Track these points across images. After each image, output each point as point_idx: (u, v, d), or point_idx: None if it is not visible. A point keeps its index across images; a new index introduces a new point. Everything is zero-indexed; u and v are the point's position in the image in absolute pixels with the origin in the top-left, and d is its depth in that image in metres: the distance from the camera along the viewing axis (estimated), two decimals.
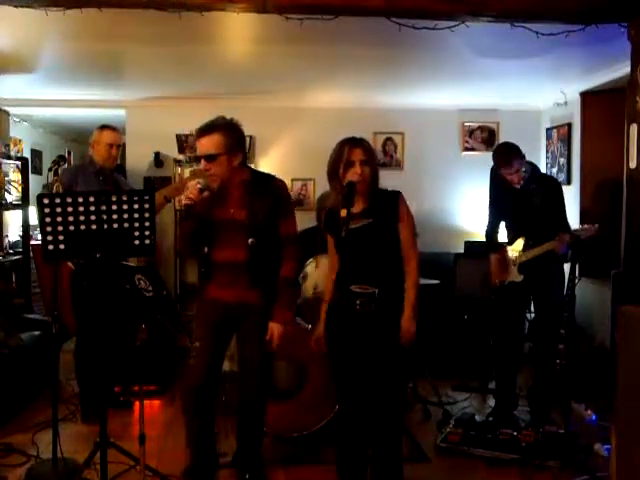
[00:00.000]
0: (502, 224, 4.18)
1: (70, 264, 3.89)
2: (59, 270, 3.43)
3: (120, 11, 3.13)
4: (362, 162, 2.67)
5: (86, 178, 3.96)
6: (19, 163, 5.65)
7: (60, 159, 4.01)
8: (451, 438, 3.65)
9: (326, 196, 3.01)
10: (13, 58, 4.45)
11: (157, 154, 6.03)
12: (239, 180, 2.98)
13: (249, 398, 3.09)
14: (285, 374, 3.66)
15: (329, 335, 2.82)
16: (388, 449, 2.77)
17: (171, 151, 6.01)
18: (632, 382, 2.43)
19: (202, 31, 3.70)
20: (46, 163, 7.35)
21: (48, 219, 2.55)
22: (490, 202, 4.21)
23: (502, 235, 4.21)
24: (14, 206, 5.56)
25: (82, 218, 2.57)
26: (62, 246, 2.58)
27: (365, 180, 2.68)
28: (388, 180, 2.85)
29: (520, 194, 3.91)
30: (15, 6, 3.05)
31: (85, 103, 6.05)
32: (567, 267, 3.62)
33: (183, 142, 5.98)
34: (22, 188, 5.51)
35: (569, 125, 5.50)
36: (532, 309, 4.17)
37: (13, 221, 6.09)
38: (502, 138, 5.82)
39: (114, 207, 2.60)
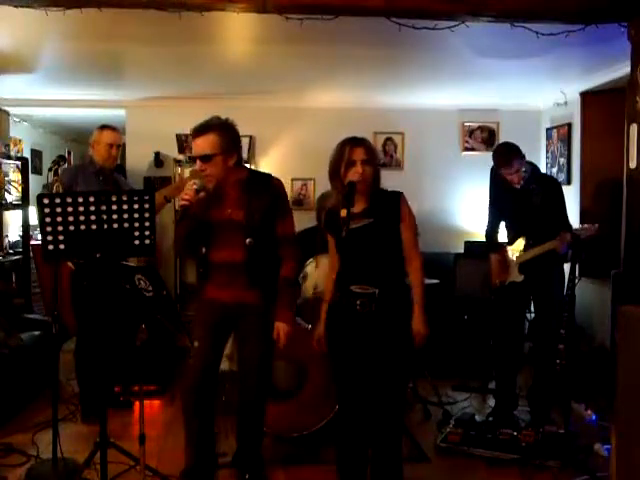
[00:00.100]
0: (502, 224, 4.18)
1: (70, 264, 3.89)
2: (59, 270, 3.43)
3: (120, 11, 3.13)
4: (363, 162, 2.67)
5: (86, 178, 3.96)
6: (19, 163, 5.65)
7: (60, 159, 4.02)
8: (451, 438, 3.65)
9: (326, 196, 3.00)
10: (13, 58, 4.45)
11: (157, 154, 6.03)
12: (235, 180, 2.97)
13: (249, 398, 3.09)
14: (285, 374, 3.66)
15: (329, 335, 2.82)
16: (388, 449, 2.77)
17: (171, 151, 6.01)
18: (632, 382, 2.43)
19: (202, 31, 3.70)
20: (46, 163, 7.35)
21: (48, 219, 2.55)
22: (490, 202, 4.21)
23: (502, 235, 4.21)
24: (14, 206, 5.56)
25: (82, 218, 2.57)
26: (62, 246, 2.58)
27: (366, 180, 2.68)
28: (388, 180, 2.84)
29: (520, 194, 3.91)
30: (15, 6, 3.05)
31: (85, 103, 6.05)
32: (567, 267, 3.62)
33: (183, 142, 5.98)
34: (22, 188, 5.51)
35: (569, 125, 5.50)
36: (532, 309, 4.18)
37: (13, 221, 6.09)
38: (502, 138, 5.82)
39: (114, 207, 2.60)
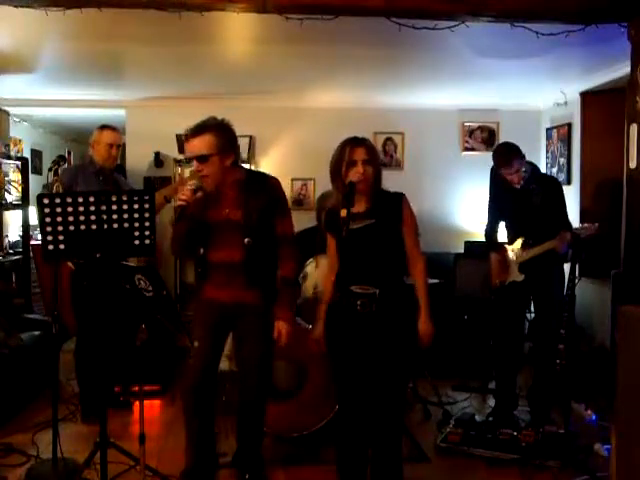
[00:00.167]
0: (502, 224, 4.18)
1: (70, 264, 3.89)
2: (59, 270, 3.43)
3: (120, 11, 3.13)
4: (364, 162, 2.66)
5: (86, 178, 3.96)
6: (19, 163, 5.65)
7: (60, 159, 4.01)
8: (451, 438, 3.65)
9: (326, 196, 3.00)
10: (13, 58, 4.45)
11: (157, 154, 6.03)
12: (233, 180, 2.97)
13: (249, 398, 3.09)
14: (285, 374, 3.66)
15: (329, 335, 2.82)
16: (388, 449, 2.77)
17: (171, 151, 6.00)
18: (632, 382, 2.43)
19: (202, 31, 3.70)
20: (46, 163, 7.35)
21: (48, 219, 2.55)
22: (490, 202, 4.21)
23: (502, 235, 4.21)
24: (14, 206, 5.56)
25: (82, 218, 2.58)
26: (62, 246, 2.58)
27: (367, 180, 2.67)
28: (388, 180, 2.84)
29: (520, 194, 3.91)
30: (15, 6, 3.05)
31: (85, 103, 6.05)
32: (567, 267, 3.62)
33: (183, 142, 5.93)
34: (22, 188, 5.51)
35: (569, 125, 5.50)
36: (532, 309, 4.18)
37: (13, 221, 6.09)
38: (502, 138, 5.83)
39: (114, 207, 2.61)
